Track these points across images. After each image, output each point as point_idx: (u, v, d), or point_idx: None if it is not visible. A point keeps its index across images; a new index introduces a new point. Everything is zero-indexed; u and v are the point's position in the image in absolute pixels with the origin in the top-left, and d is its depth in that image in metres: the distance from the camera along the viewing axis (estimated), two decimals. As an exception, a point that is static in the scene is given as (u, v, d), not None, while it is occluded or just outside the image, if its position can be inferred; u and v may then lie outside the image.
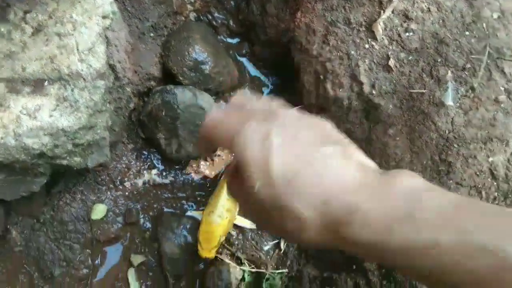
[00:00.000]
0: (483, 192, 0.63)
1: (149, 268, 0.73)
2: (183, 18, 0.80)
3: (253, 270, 0.71)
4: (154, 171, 0.76)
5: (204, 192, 0.77)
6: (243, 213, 0.49)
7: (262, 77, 0.86)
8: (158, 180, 0.76)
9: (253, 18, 0.81)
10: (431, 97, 0.63)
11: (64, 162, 0.59)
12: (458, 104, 0.63)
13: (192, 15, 0.82)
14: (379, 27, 0.64)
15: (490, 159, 0.62)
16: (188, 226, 0.73)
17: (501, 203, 0.63)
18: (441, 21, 0.64)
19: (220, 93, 0.81)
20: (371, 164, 0.38)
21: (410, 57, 0.64)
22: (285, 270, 0.72)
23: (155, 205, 0.76)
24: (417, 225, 0.32)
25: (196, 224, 0.72)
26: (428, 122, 0.62)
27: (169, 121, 0.70)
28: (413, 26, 0.64)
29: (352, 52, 0.66)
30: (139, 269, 0.73)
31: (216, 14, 0.84)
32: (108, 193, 0.74)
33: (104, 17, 0.58)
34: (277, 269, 0.71)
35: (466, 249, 0.31)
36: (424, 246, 0.32)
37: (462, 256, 0.31)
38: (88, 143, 0.59)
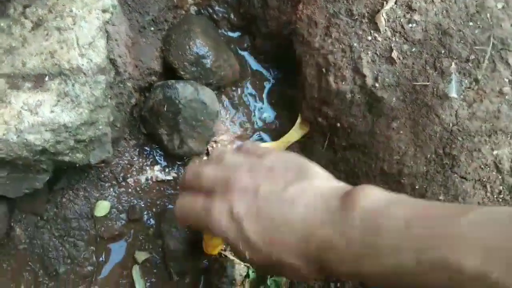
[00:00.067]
0: (488, 186, 0.62)
1: (153, 265, 0.73)
2: (184, 12, 0.80)
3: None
4: (157, 167, 0.76)
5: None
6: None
7: (264, 71, 0.86)
8: (161, 176, 0.76)
9: (254, 11, 0.80)
10: (434, 89, 0.62)
11: (67, 158, 0.58)
12: (462, 96, 0.62)
13: (193, 9, 0.82)
14: (382, 19, 0.63)
15: (495, 152, 0.62)
16: (191, 222, 0.72)
17: (506, 197, 0.62)
18: (444, 11, 0.63)
19: (221, 88, 0.81)
20: (334, 188, 0.43)
21: (414, 49, 0.63)
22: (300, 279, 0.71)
23: (158, 202, 0.75)
24: (378, 252, 0.37)
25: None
26: (432, 115, 0.62)
27: (170, 116, 0.69)
28: (416, 17, 0.63)
29: (355, 44, 0.65)
30: (143, 266, 0.72)
31: (216, 8, 0.83)
32: (111, 189, 0.73)
33: (104, 11, 0.58)
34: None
35: (424, 268, 0.34)
36: (391, 271, 0.36)
37: (423, 274, 0.35)
38: (90, 139, 0.58)
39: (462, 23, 0.63)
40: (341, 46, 0.66)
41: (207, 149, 0.78)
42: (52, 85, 0.54)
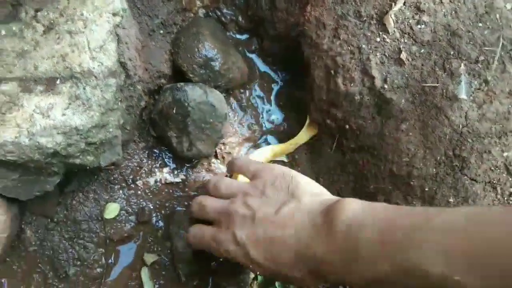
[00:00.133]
0: (498, 188, 0.62)
1: (162, 267, 0.73)
2: (192, 15, 0.80)
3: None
4: (166, 170, 0.76)
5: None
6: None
7: (272, 73, 0.86)
8: (170, 178, 0.76)
9: (262, 13, 0.80)
10: (444, 90, 0.62)
11: (78, 161, 0.59)
12: (471, 97, 0.62)
13: (201, 12, 0.82)
14: (390, 20, 0.63)
15: (505, 154, 0.62)
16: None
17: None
18: (453, 12, 0.63)
19: (229, 90, 0.81)
20: (320, 203, 0.50)
21: (422, 50, 0.63)
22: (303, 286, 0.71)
23: (167, 204, 0.76)
24: (358, 263, 0.42)
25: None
26: (441, 116, 0.62)
27: (180, 119, 0.70)
28: (425, 18, 0.63)
29: (363, 46, 0.65)
30: (152, 268, 0.73)
31: (225, 10, 0.83)
32: (121, 192, 0.74)
33: (114, 14, 0.58)
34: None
35: (398, 275, 0.39)
36: (372, 279, 0.41)
37: (398, 280, 0.39)
38: (100, 142, 0.59)
39: (471, 24, 0.63)
40: (349, 47, 0.66)
41: (215, 152, 0.78)
42: (63, 88, 0.55)
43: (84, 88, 0.55)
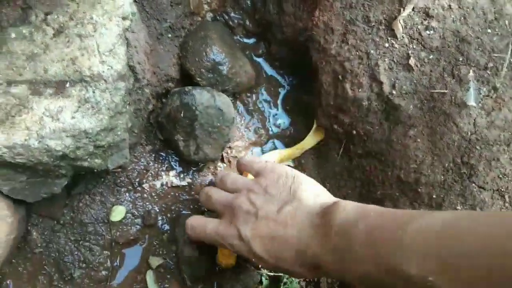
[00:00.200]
0: (506, 196, 0.62)
1: (167, 270, 0.73)
2: (200, 19, 0.80)
3: (271, 274, 0.70)
4: (172, 173, 0.76)
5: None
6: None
7: (279, 77, 0.86)
8: (176, 181, 0.76)
9: (270, 17, 0.80)
10: (452, 97, 0.62)
11: (85, 163, 0.59)
12: (480, 104, 0.62)
13: (209, 15, 0.82)
14: (399, 25, 0.63)
15: (514, 160, 0.61)
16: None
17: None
18: (462, 18, 0.63)
19: (236, 94, 0.81)
20: (320, 205, 0.52)
21: (431, 56, 0.63)
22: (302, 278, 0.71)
23: (173, 207, 0.76)
24: (351, 262, 0.45)
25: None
26: (449, 123, 0.62)
27: (187, 122, 0.70)
28: (433, 24, 0.63)
29: (372, 51, 0.65)
30: (157, 271, 0.73)
31: (232, 14, 0.83)
32: (127, 194, 0.74)
33: (124, 18, 0.58)
34: (293, 274, 0.71)
35: (382, 275, 0.42)
36: (364, 277, 0.44)
37: (382, 279, 0.42)
38: (108, 145, 0.59)
39: (480, 30, 0.63)
40: (358, 53, 0.66)
41: (222, 155, 0.78)
42: (73, 92, 0.55)
43: (93, 92, 0.55)
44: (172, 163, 0.77)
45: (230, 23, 0.83)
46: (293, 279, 0.71)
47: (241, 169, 0.67)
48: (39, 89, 0.55)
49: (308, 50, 0.73)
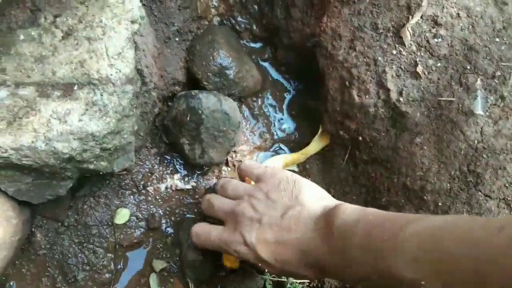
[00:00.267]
0: (512, 204, 0.62)
1: (170, 274, 0.73)
2: (207, 22, 0.80)
3: (274, 279, 0.70)
4: (177, 176, 0.76)
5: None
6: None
7: (284, 82, 0.86)
8: (181, 185, 0.76)
9: (277, 22, 0.80)
10: (460, 105, 0.62)
11: (91, 166, 0.59)
12: (487, 113, 0.61)
13: (216, 19, 0.82)
14: (407, 33, 0.63)
15: (521, 170, 0.61)
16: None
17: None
18: (470, 27, 0.63)
19: (242, 98, 0.81)
20: (323, 208, 0.54)
21: (439, 64, 0.63)
22: (306, 281, 0.71)
23: (177, 210, 0.75)
24: (351, 264, 0.46)
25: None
26: (456, 131, 0.62)
27: (193, 126, 0.70)
28: (442, 32, 0.63)
29: (379, 58, 0.65)
30: (161, 275, 0.73)
31: (239, 19, 0.84)
32: (131, 197, 0.74)
33: (133, 21, 0.58)
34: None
35: (379, 277, 0.43)
36: (363, 278, 0.46)
37: (379, 281, 0.44)
38: (115, 148, 0.59)
39: (489, 39, 0.63)
40: (365, 59, 0.66)
41: (227, 159, 0.78)
42: (80, 94, 0.55)
43: (101, 95, 0.55)
44: (176, 166, 0.77)
45: (237, 27, 0.83)
46: (297, 284, 0.70)
47: (242, 174, 0.67)
48: (47, 91, 0.55)
49: (315, 56, 0.73)
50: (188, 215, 0.76)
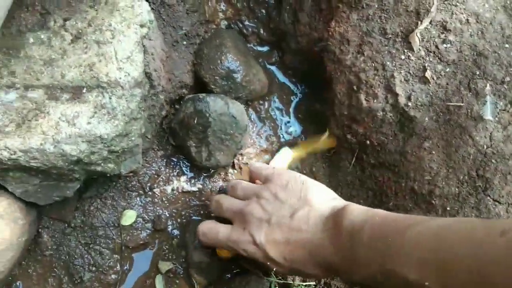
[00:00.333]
0: (520, 210, 0.61)
1: (176, 276, 0.73)
2: (214, 26, 0.80)
3: (280, 281, 0.70)
4: (183, 178, 0.77)
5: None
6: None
7: (291, 85, 0.86)
8: (187, 187, 0.76)
9: (285, 26, 0.80)
10: (468, 110, 0.62)
11: (99, 168, 0.59)
12: (496, 118, 0.61)
13: (223, 23, 0.83)
14: (416, 38, 0.63)
15: (529, 175, 0.61)
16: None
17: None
18: (480, 32, 0.63)
19: (249, 101, 0.81)
20: (331, 208, 0.54)
21: (448, 69, 0.63)
22: (313, 283, 0.71)
23: (183, 212, 0.76)
24: (358, 265, 0.47)
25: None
26: (465, 136, 0.61)
27: (200, 129, 0.70)
28: (451, 37, 0.63)
29: (388, 63, 0.65)
30: (166, 276, 0.73)
31: (246, 22, 0.84)
32: (138, 199, 0.74)
33: (142, 25, 0.59)
34: (304, 281, 0.71)
35: (385, 278, 0.44)
36: (369, 279, 0.46)
37: (385, 282, 0.44)
38: (122, 150, 0.59)
39: (498, 44, 0.63)
40: (373, 64, 0.66)
41: (233, 162, 0.79)
42: (89, 97, 0.55)
43: (110, 98, 0.55)
44: (183, 168, 0.77)
45: (244, 31, 0.83)
46: (303, 286, 0.70)
47: (251, 176, 0.68)
48: (55, 94, 0.55)
49: (322, 60, 0.73)
50: (194, 217, 0.76)
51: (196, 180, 0.77)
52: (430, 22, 0.63)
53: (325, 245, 0.51)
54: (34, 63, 0.56)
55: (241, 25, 0.83)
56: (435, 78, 0.63)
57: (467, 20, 0.62)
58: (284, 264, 0.55)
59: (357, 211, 0.50)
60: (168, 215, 0.75)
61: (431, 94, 0.63)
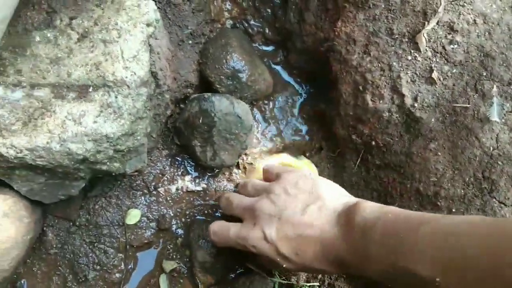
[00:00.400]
0: (526, 212, 0.61)
1: (180, 275, 0.73)
2: (220, 26, 0.80)
3: (284, 282, 0.70)
4: (188, 178, 0.77)
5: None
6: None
7: (296, 85, 0.86)
8: (191, 186, 0.76)
9: (290, 26, 0.80)
10: (475, 112, 0.61)
11: (104, 167, 0.59)
12: (503, 120, 0.61)
13: (228, 23, 0.82)
14: (423, 39, 0.63)
15: (535, 177, 0.60)
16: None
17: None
18: (487, 33, 0.63)
19: (254, 101, 0.81)
20: (343, 205, 0.54)
21: (454, 70, 0.63)
22: (316, 284, 0.71)
23: (187, 212, 0.76)
24: (371, 261, 0.47)
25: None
26: (471, 137, 0.61)
27: (205, 128, 0.70)
28: (458, 38, 0.63)
29: (394, 64, 0.65)
30: (170, 275, 0.73)
31: (252, 22, 0.83)
32: (143, 198, 0.74)
33: (148, 25, 0.59)
34: (308, 282, 0.71)
35: (397, 274, 0.44)
36: (382, 275, 0.47)
37: (398, 278, 0.45)
38: (128, 149, 0.59)
39: (505, 45, 0.62)
40: (380, 64, 0.65)
41: (238, 162, 0.78)
42: (95, 96, 0.55)
43: (116, 97, 0.55)
44: (188, 168, 0.77)
45: (250, 30, 0.83)
46: (307, 287, 0.70)
47: (265, 176, 0.67)
48: (62, 93, 0.55)
49: (328, 60, 0.73)
50: (198, 217, 0.76)
51: (200, 179, 0.77)
52: (437, 23, 0.63)
53: (337, 241, 0.51)
54: (40, 62, 0.56)
55: (246, 25, 0.83)
56: (441, 79, 0.62)
57: (475, 20, 0.62)
58: (295, 260, 0.54)
59: (369, 208, 0.50)
60: (172, 215, 0.75)
61: (437, 95, 0.62)
